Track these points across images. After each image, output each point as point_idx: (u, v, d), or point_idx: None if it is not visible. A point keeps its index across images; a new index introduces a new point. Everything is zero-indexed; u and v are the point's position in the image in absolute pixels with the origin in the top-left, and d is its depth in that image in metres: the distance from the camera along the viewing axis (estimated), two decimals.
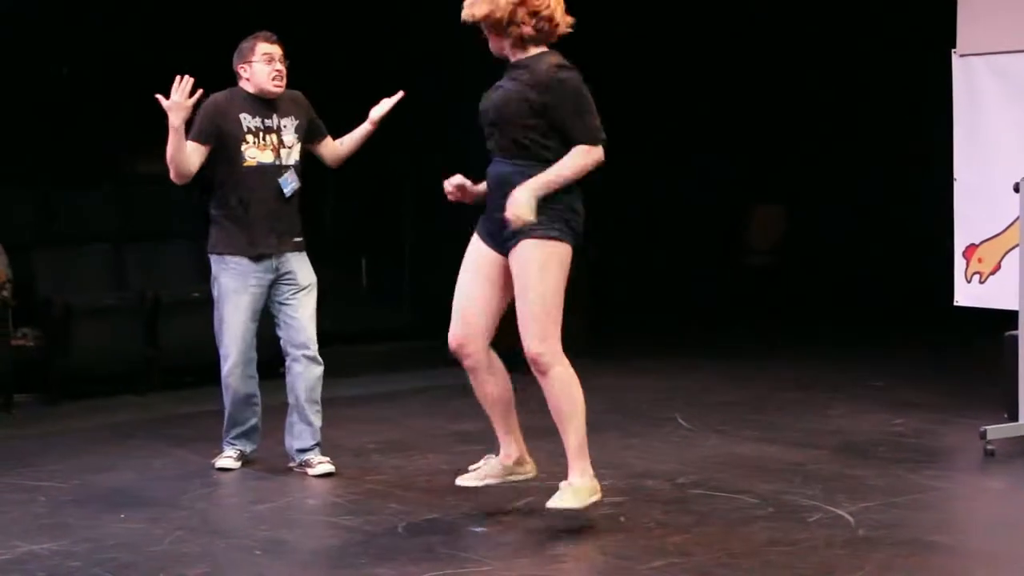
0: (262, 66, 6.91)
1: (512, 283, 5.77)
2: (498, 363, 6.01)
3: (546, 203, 5.67)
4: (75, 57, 10.54)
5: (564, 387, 5.79)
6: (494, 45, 5.88)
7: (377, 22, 10.88)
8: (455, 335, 5.92)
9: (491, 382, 5.98)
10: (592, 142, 5.72)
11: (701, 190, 13.43)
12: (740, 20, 13.02)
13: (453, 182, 5.98)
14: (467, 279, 5.90)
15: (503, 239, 5.77)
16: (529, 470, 6.16)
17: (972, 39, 8.10)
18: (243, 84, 6.98)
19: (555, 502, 5.84)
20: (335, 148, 7.22)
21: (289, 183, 6.94)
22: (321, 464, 6.98)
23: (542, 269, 5.68)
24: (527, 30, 5.77)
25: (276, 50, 6.95)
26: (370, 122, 7.16)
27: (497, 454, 6.15)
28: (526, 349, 5.76)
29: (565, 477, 5.90)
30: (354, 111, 7.17)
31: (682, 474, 6.90)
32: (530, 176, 5.66)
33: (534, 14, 5.76)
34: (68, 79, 10.64)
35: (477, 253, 5.89)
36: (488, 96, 5.88)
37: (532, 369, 5.81)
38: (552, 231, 5.68)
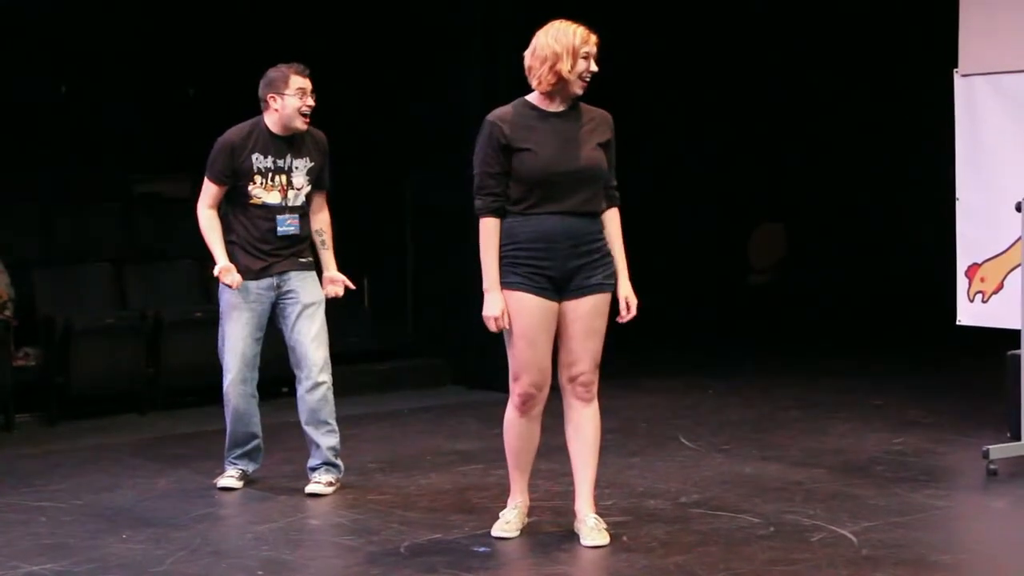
0: (295, 100, 6.90)
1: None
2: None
3: (605, 258, 5.97)
4: (76, 76, 10.55)
5: (599, 418, 6.05)
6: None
7: (377, 50, 10.89)
8: (536, 385, 5.96)
9: (538, 433, 6.10)
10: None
11: (701, 209, 13.44)
12: (741, 39, 13.03)
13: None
14: (536, 335, 5.90)
15: (572, 287, 5.90)
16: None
17: (974, 58, 8.10)
18: (268, 115, 6.97)
19: (598, 540, 5.94)
20: (320, 212, 7.15)
21: (286, 224, 6.97)
22: (313, 484, 6.97)
23: (606, 315, 6.00)
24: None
25: (308, 84, 6.95)
26: (327, 275, 7.15)
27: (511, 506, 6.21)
28: (584, 376, 5.97)
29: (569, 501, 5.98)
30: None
31: (684, 493, 6.90)
32: (598, 225, 5.97)
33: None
34: (68, 97, 10.64)
35: (544, 308, 5.90)
36: (557, 150, 5.85)
37: (581, 396, 5.97)
38: (613, 286, 6.01)
